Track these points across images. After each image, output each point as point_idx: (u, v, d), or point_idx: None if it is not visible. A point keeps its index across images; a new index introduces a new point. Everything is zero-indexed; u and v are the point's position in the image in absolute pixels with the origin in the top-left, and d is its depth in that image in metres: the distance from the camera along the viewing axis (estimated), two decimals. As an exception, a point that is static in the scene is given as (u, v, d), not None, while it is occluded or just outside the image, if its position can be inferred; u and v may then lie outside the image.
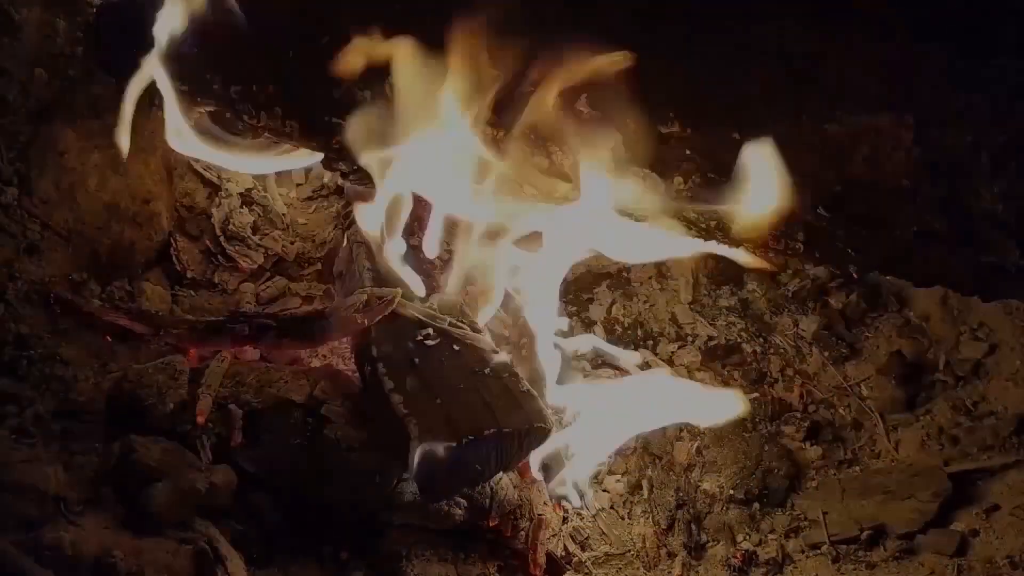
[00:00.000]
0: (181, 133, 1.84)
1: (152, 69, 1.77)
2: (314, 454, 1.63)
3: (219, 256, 2.05)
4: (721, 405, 1.84)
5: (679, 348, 2.08)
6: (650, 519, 1.81)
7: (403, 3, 1.59)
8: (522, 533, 1.70)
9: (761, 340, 2.09)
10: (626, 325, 2.12)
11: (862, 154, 1.36)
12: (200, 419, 1.62)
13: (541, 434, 1.63)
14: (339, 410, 1.66)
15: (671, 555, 1.77)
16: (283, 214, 2.20)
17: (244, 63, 1.73)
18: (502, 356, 1.73)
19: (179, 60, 1.78)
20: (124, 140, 1.84)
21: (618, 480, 1.88)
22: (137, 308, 1.85)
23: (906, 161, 1.33)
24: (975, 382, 1.96)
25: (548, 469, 1.79)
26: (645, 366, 2.03)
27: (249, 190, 2.19)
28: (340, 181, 2.21)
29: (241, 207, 2.14)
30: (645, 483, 1.85)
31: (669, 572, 1.75)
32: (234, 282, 2.06)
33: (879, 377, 2.00)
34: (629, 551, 1.77)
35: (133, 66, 1.82)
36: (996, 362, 1.96)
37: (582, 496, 1.80)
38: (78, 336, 1.73)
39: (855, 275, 2.02)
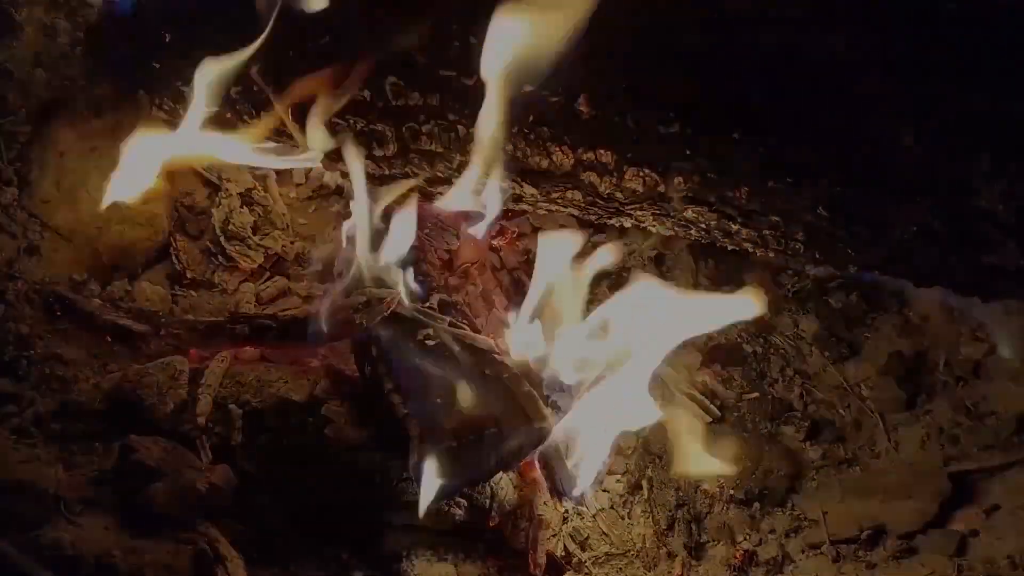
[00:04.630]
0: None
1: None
2: (314, 454, 1.63)
3: (219, 256, 2.05)
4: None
5: (679, 348, 2.07)
6: (650, 519, 1.81)
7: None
8: (522, 533, 1.70)
9: (761, 340, 2.09)
10: (626, 325, 2.12)
11: (862, 154, 1.36)
12: (200, 419, 1.62)
13: (541, 434, 1.63)
14: (339, 410, 1.66)
15: (671, 555, 1.77)
16: (283, 214, 2.20)
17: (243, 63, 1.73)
18: (502, 356, 1.73)
19: (177, 59, 1.78)
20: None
21: (618, 480, 1.87)
22: (137, 308, 1.85)
23: (906, 161, 1.33)
24: (975, 382, 1.96)
25: (550, 468, 1.79)
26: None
27: (249, 190, 2.18)
28: (340, 181, 2.21)
29: (241, 207, 2.14)
30: (645, 483, 1.85)
31: (669, 572, 1.75)
32: (234, 282, 2.06)
33: (879, 377, 2.00)
34: (629, 551, 1.77)
35: (137, 69, 1.82)
36: (996, 362, 1.96)
37: (582, 495, 1.79)
38: (78, 336, 1.73)
39: (855, 275, 2.03)
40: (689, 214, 1.50)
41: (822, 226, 1.42)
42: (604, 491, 1.85)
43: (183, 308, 1.96)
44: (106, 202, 1.78)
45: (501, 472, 1.67)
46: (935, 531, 1.73)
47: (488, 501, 1.68)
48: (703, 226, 1.53)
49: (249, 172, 2.20)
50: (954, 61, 1.33)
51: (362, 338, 1.73)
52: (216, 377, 1.69)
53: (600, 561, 1.74)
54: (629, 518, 1.82)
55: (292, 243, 2.16)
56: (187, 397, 1.65)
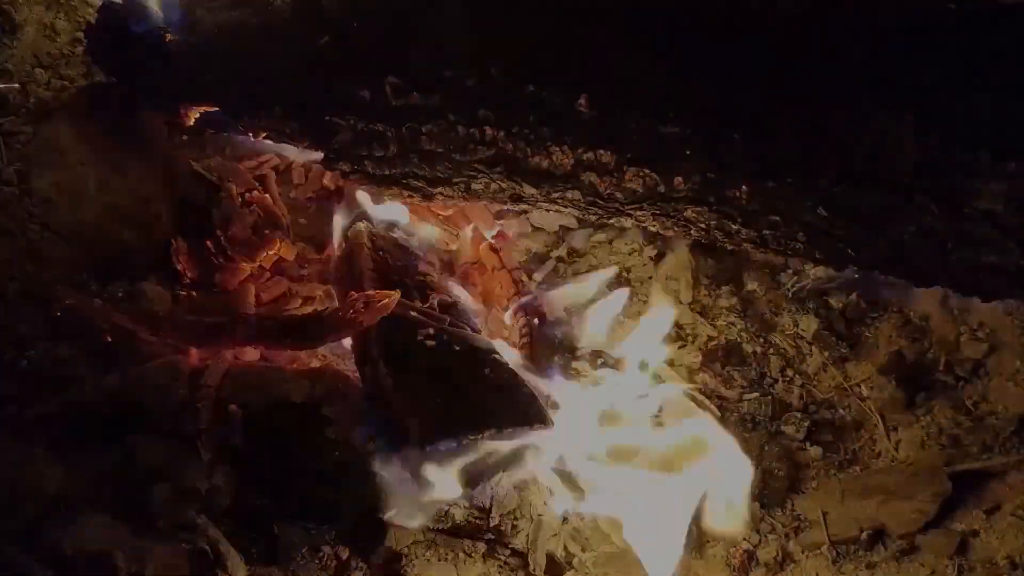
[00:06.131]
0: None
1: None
2: (314, 454, 1.63)
3: (219, 256, 2.05)
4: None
5: (679, 348, 2.08)
6: (650, 519, 1.81)
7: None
8: (522, 533, 1.70)
9: (761, 340, 2.09)
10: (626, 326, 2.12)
11: (862, 154, 1.36)
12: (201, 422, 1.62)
13: (542, 435, 1.63)
14: (339, 410, 1.67)
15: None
16: (283, 214, 2.20)
17: (244, 63, 1.73)
18: (502, 356, 1.73)
19: (177, 59, 1.78)
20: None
21: (618, 480, 1.87)
22: (137, 308, 1.85)
23: (906, 161, 1.33)
24: (975, 382, 1.96)
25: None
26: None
27: (249, 190, 2.18)
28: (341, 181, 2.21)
29: (241, 207, 2.14)
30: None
31: (669, 572, 1.75)
32: (234, 282, 2.06)
33: (879, 377, 2.00)
34: (629, 551, 1.77)
35: (133, 66, 1.82)
36: (996, 362, 1.96)
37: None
38: (78, 336, 1.73)
39: (855, 275, 2.03)
40: (689, 214, 1.50)
41: (822, 226, 1.42)
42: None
43: (183, 308, 1.96)
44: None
45: (501, 472, 1.67)
46: (935, 531, 1.73)
47: (488, 501, 1.68)
48: (703, 226, 1.53)
49: (249, 172, 2.20)
50: (954, 61, 1.33)
51: (362, 338, 1.73)
52: (216, 377, 1.69)
53: (600, 561, 1.74)
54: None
55: (292, 243, 2.16)
56: (187, 397, 1.64)
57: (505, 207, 1.89)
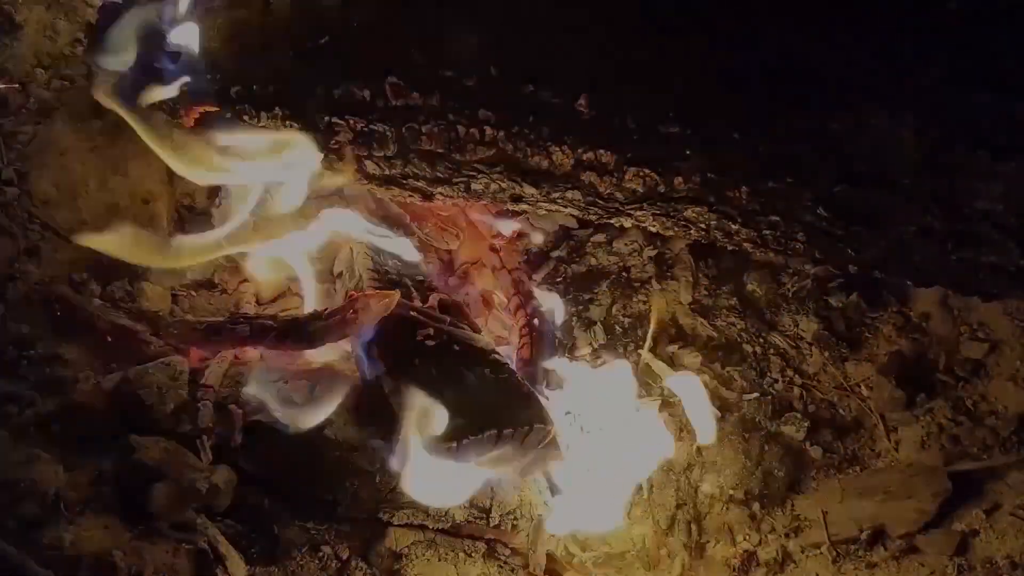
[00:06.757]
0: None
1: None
2: (314, 454, 1.63)
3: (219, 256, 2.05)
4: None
5: (679, 348, 2.08)
6: (650, 519, 1.81)
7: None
8: (522, 533, 1.70)
9: (761, 340, 2.09)
10: (626, 325, 2.12)
11: (862, 154, 1.36)
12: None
13: (542, 435, 1.63)
14: (339, 410, 1.67)
15: (671, 555, 1.77)
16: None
17: (244, 63, 1.73)
18: (502, 356, 1.73)
19: (178, 60, 1.78)
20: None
21: (618, 480, 1.87)
22: (137, 308, 1.85)
23: (906, 161, 1.33)
24: (975, 382, 1.96)
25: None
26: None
27: (249, 190, 2.18)
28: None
29: (241, 207, 2.14)
30: (645, 483, 1.85)
31: (669, 572, 1.75)
32: (234, 282, 2.06)
33: (879, 377, 2.00)
34: (629, 551, 1.77)
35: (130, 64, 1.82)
36: (996, 362, 1.96)
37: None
38: (78, 336, 1.73)
39: (855, 275, 2.03)
40: (689, 214, 1.50)
41: (822, 226, 1.42)
42: (604, 491, 1.85)
43: (183, 308, 1.96)
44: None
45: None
46: (935, 531, 1.73)
47: (488, 501, 1.68)
48: (703, 226, 1.53)
49: (249, 172, 2.19)
50: (954, 61, 1.33)
51: (362, 338, 1.73)
52: (216, 377, 1.69)
53: (600, 561, 1.74)
54: (629, 518, 1.81)
55: (292, 243, 2.15)
56: (187, 397, 1.65)
57: (505, 207, 1.89)
